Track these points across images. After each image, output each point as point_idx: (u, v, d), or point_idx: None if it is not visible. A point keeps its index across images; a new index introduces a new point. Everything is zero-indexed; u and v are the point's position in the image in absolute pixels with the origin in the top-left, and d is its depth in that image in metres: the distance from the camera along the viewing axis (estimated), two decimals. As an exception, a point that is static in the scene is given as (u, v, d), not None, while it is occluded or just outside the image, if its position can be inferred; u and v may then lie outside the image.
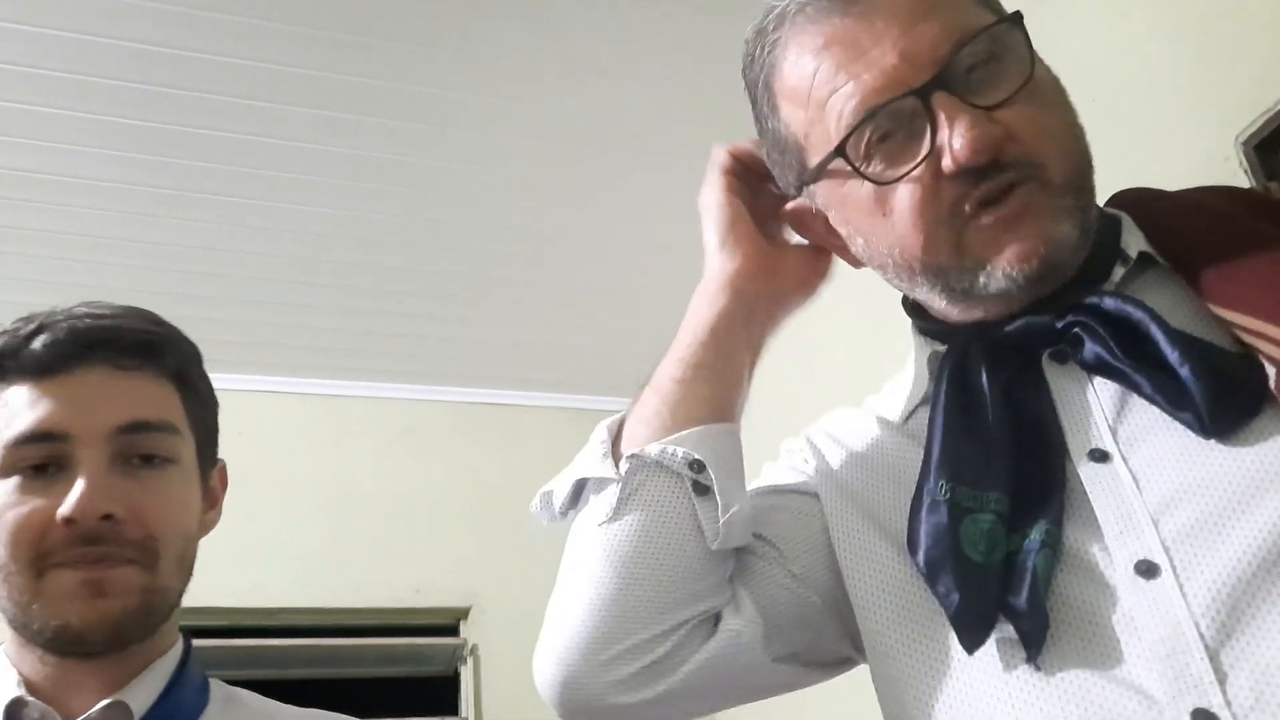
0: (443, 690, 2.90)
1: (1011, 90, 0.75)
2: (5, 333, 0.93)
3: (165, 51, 2.01)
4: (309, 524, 2.87)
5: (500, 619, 2.91)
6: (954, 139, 0.73)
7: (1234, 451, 0.67)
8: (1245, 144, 1.44)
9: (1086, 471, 0.71)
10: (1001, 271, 0.74)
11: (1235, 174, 1.41)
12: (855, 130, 0.76)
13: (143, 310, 0.97)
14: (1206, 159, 1.49)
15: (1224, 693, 0.60)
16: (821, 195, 0.84)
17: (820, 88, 0.78)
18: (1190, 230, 0.76)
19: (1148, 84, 1.66)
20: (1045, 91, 0.77)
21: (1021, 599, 0.67)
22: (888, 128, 0.76)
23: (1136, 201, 0.83)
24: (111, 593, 0.86)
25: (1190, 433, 0.68)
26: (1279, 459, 0.65)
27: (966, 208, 0.74)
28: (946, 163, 0.73)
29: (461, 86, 2.17)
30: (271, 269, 2.60)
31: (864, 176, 0.77)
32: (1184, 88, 1.60)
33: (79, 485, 0.86)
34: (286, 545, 2.81)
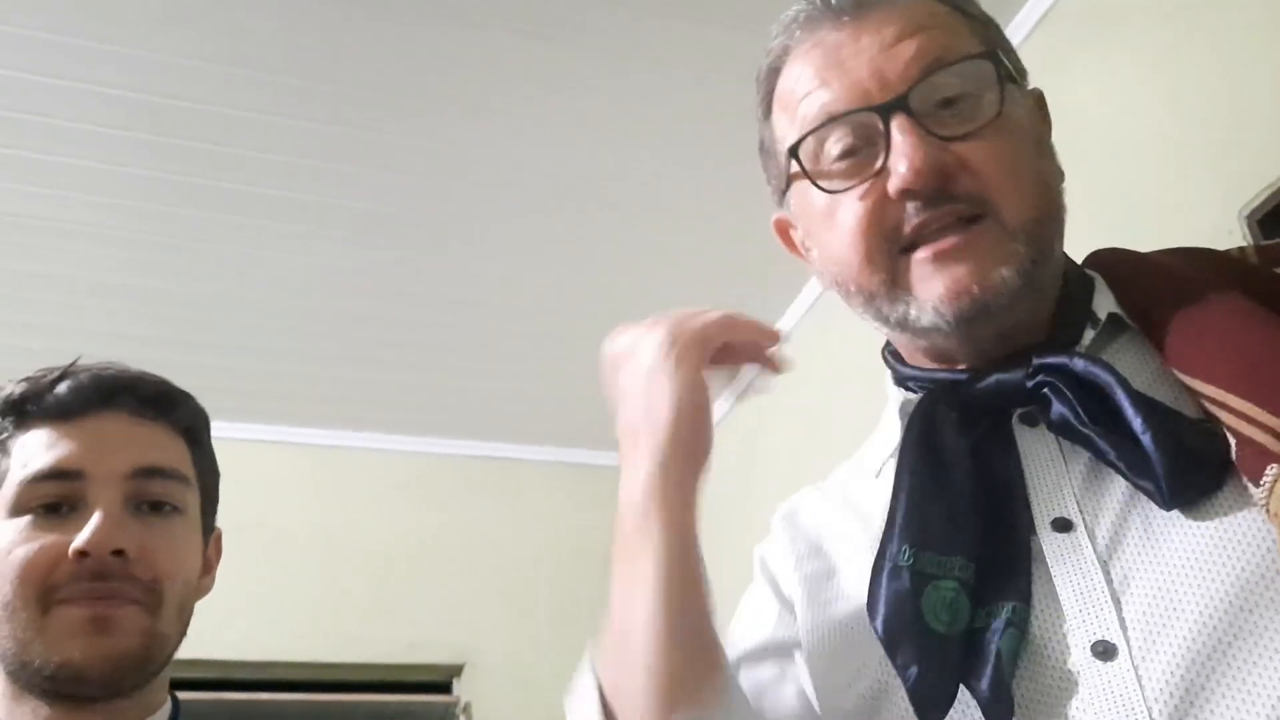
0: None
1: (977, 126, 0.74)
2: (29, 379, 0.96)
3: (173, 104, 2.03)
4: (303, 576, 2.84)
5: (494, 677, 2.87)
6: (899, 160, 0.72)
7: (1194, 525, 0.65)
8: (1249, 217, 1.45)
9: (1049, 541, 0.69)
10: (931, 306, 0.73)
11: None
12: (812, 134, 0.77)
13: (159, 376, 1.01)
14: (1210, 231, 1.49)
15: None
16: (793, 203, 0.84)
17: (799, 93, 0.79)
18: (1158, 294, 0.74)
19: (1152, 156, 1.68)
20: (1015, 133, 0.76)
21: (985, 682, 0.65)
22: (851, 142, 0.76)
23: (1109, 263, 0.82)
24: (115, 631, 0.87)
25: (1153, 504, 0.66)
26: (1235, 534, 0.64)
27: (906, 230, 0.73)
28: (891, 183, 0.73)
29: (468, 143, 2.19)
30: (270, 318, 2.61)
31: (810, 179, 0.77)
32: (1188, 160, 1.61)
33: (94, 519, 0.88)
34: (280, 597, 2.78)
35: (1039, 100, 0.84)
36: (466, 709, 2.86)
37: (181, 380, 1.02)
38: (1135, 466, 0.66)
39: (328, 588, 2.85)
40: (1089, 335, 0.76)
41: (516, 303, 2.64)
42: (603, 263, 2.53)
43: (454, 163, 2.23)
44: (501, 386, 2.96)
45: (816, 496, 0.90)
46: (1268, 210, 1.43)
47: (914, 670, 0.67)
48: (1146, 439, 0.66)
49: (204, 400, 1.03)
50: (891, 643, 0.68)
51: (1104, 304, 0.78)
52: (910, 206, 0.73)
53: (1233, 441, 0.65)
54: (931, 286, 0.73)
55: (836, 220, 0.77)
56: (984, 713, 0.65)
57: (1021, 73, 0.82)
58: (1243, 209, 1.47)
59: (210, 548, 1.02)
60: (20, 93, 1.97)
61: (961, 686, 0.66)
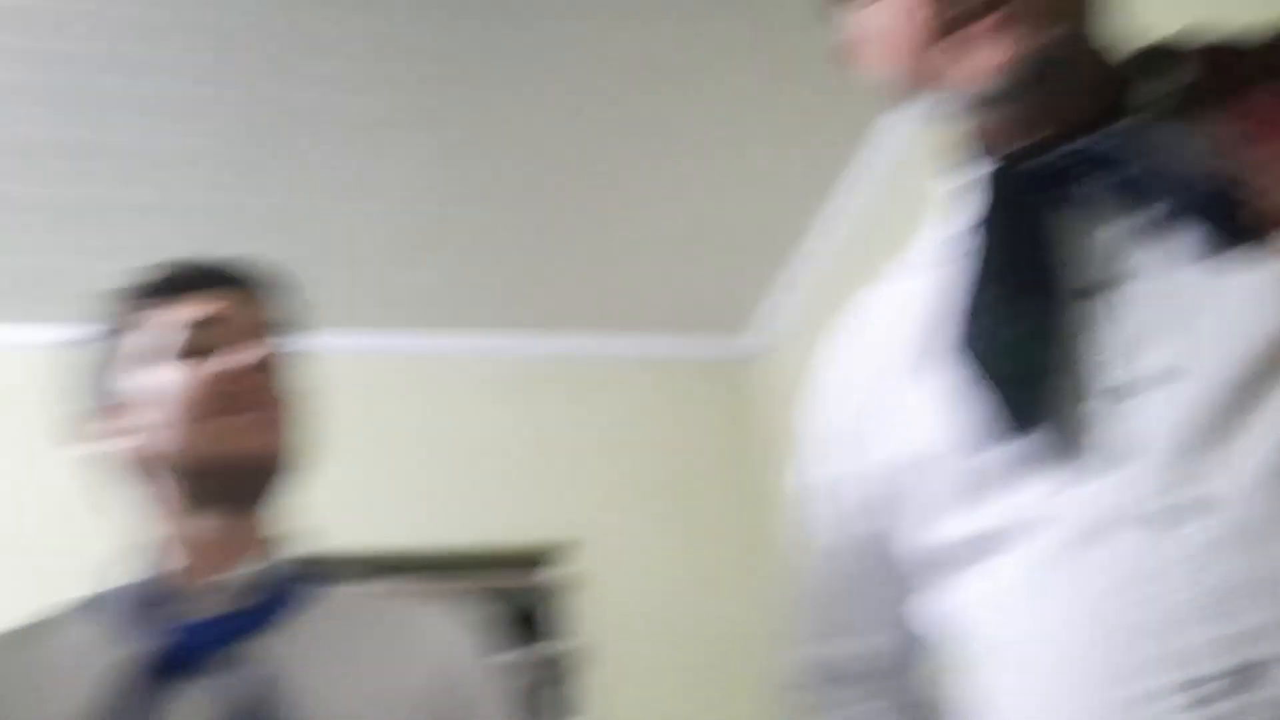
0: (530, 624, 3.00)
1: None
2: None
3: (247, 21, 2.08)
4: (412, 470, 2.98)
5: (599, 560, 2.99)
6: None
7: (1225, 282, 0.70)
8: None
9: (1089, 306, 0.75)
10: (972, 81, 0.76)
11: None
12: None
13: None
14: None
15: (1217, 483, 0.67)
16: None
17: None
18: (1230, 76, 0.77)
19: None
20: None
21: (1041, 424, 0.73)
22: None
23: (1187, 41, 0.83)
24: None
25: (1188, 267, 0.71)
26: (1264, 288, 0.68)
27: (941, 22, 0.77)
28: None
29: (533, 35, 2.20)
30: (357, 227, 2.68)
31: None
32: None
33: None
34: (391, 489, 2.93)
35: None
36: (569, 588, 3.00)
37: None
38: (1167, 228, 0.73)
39: (433, 481, 2.98)
40: (1142, 114, 0.78)
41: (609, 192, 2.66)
42: (668, 140, 2.53)
43: (532, 66, 2.26)
44: (598, 271, 3.01)
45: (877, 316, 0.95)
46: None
47: (993, 395, 0.75)
48: (1175, 206, 0.72)
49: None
50: (968, 382, 0.77)
51: (1161, 86, 0.80)
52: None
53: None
54: (966, 65, 0.76)
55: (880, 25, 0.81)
56: (1044, 453, 0.73)
57: None
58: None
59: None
60: (88, 28, 2.03)
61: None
